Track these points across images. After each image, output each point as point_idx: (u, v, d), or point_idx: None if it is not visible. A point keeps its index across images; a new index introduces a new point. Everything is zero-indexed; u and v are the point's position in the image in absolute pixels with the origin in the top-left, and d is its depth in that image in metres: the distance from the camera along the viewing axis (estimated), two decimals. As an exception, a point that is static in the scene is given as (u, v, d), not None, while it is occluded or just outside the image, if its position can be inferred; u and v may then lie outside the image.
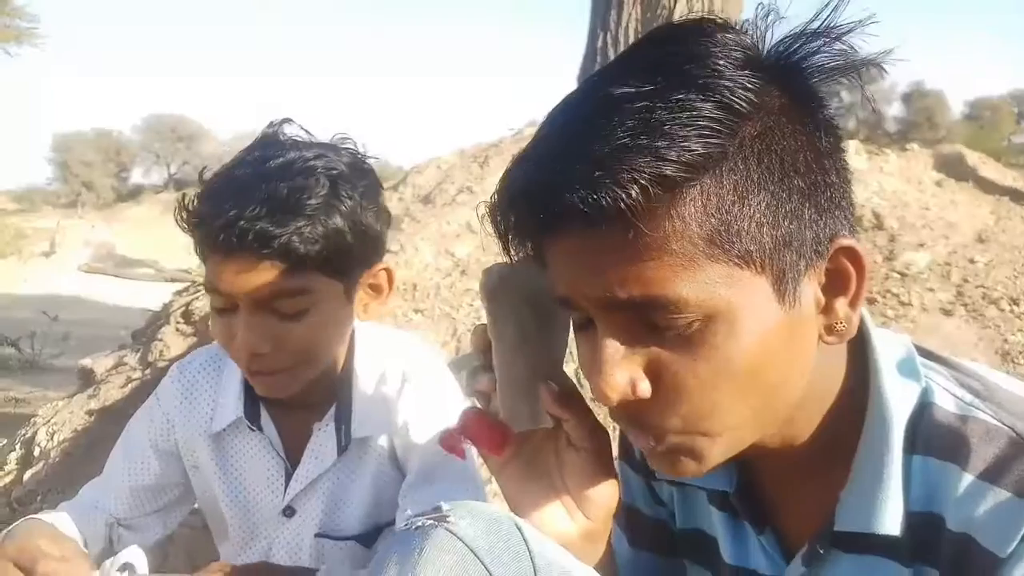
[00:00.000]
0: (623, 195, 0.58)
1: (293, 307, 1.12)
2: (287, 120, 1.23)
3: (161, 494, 1.38)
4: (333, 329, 1.19)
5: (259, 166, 1.12)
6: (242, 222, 1.06)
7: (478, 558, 0.67)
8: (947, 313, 2.86)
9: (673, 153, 0.58)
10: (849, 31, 0.64)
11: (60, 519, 1.26)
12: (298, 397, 1.25)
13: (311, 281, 1.12)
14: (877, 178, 3.88)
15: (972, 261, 3.23)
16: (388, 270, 1.24)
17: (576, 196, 0.59)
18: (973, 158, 4.87)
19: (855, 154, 4.03)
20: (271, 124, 1.22)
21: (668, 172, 0.58)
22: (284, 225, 1.07)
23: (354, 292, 1.20)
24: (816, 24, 0.64)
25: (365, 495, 1.26)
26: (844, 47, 0.64)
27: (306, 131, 1.23)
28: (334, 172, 1.13)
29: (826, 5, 0.64)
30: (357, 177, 1.17)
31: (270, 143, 1.18)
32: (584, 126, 0.62)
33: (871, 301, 2.97)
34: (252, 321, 1.11)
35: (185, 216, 1.14)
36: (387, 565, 0.68)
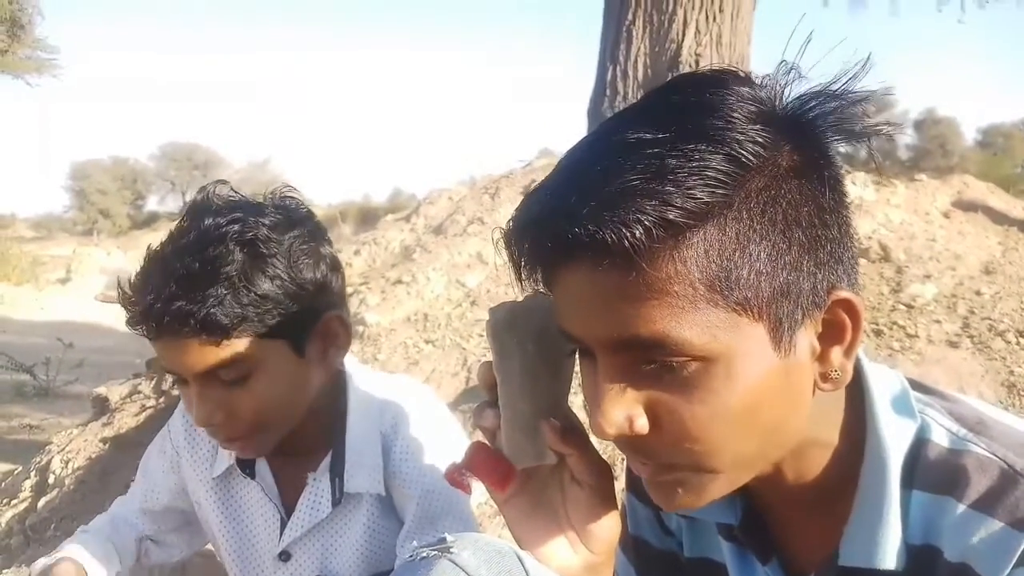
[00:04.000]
0: (628, 234, 0.61)
1: (234, 375, 1.12)
2: (221, 182, 1.24)
3: (174, 518, 1.42)
4: (287, 388, 1.17)
5: (177, 241, 1.13)
6: (158, 305, 1.08)
7: None
8: (953, 345, 2.87)
9: (678, 199, 0.61)
10: (865, 98, 0.67)
11: (85, 555, 1.29)
12: (290, 445, 1.25)
13: (246, 348, 1.11)
14: (884, 210, 3.90)
15: (979, 293, 3.24)
16: (339, 318, 1.22)
17: (583, 230, 0.62)
18: (982, 188, 4.88)
19: (863, 186, 4.06)
20: (202, 189, 1.21)
21: (672, 217, 0.61)
22: (200, 301, 1.07)
23: (306, 346, 1.18)
24: (835, 86, 0.67)
25: (360, 542, 1.27)
26: (858, 111, 0.67)
27: (238, 192, 1.23)
28: (249, 235, 1.12)
29: (846, 72, 0.67)
30: (284, 231, 1.15)
31: (197, 211, 1.17)
32: (598, 165, 0.65)
33: (877, 333, 2.98)
34: (200, 393, 1.13)
35: (123, 305, 1.15)
36: None
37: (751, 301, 0.63)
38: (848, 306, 0.68)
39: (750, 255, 0.63)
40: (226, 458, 1.32)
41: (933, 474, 0.72)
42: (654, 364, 0.66)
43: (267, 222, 1.15)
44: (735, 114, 0.63)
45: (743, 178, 0.62)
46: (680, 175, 0.61)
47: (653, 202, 0.60)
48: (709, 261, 0.62)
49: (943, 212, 4.20)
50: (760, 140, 0.63)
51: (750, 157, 0.63)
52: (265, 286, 1.11)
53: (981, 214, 4.32)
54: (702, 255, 0.62)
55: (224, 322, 1.08)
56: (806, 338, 0.67)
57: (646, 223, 0.60)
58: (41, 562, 1.27)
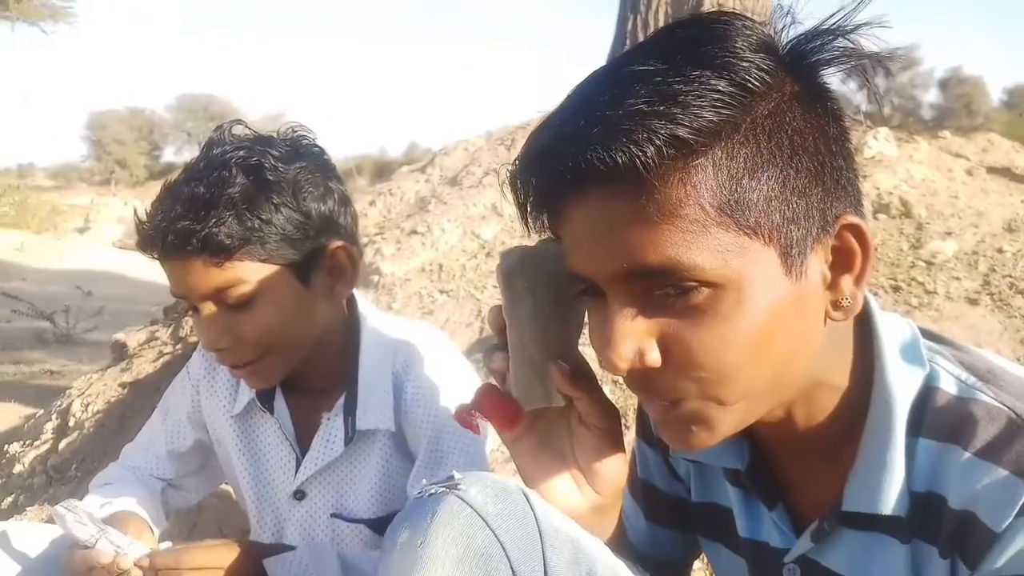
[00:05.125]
0: (639, 153, 0.61)
1: (237, 299, 1.14)
2: (237, 122, 1.26)
3: (198, 458, 1.44)
4: (291, 317, 1.19)
5: (188, 172, 1.17)
6: (164, 224, 1.11)
7: (486, 523, 0.70)
8: (972, 302, 2.84)
9: (687, 119, 0.61)
10: (855, 29, 0.67)
11: (142, 511, 1.31)
12: (304, 382, 1.29)
13: (247, 271, 1.14)
14: (906, 165, 3.84)
15: (1000, 251, 3.19)
16: (345, 248, 1.23)
17: (593, 154, 0.62)
18: (1007, 147, 4.78)
19: (885, 141, 3.99)
20: (218, 128, 1.24)
21: (682, 135, 0.61)
22: (203, 220, 1.10)
23: (312, 276, 1.20)
24: (829, 23, 0.67)
25: (374, 481, 1.29)
26: (852, 44, 0.67)
27: (253, 131, 1.26)
28: (253, 161, 1.15)
29: (841, 8, 0.67)
30: (290, 161, 1.18)
31: (210, 143, 1.21)
32: (605, 94, 0.65)
33: (896, 289, 2.95)
34: (206, 317, 1.16)
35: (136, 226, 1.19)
36: (400, 530, 0.72)
37: (762, 225, 0.64)
38: (857, 232, 0.68)
39: (759, 179, 0.63)
40: (246, 395, 1.34)
41: (940, 422, 0.72)
42: (664, 294, 0.66)
43: (274, 152, 1.17)
44: (739, 44, 0.64)
45: (749, 102, 0.63)
46: (688, 98, 0.62)
47: (662, 121, 0.61)
48: (719, 184, 0.63)
49: (966, 169, 4.12)
50: (765, 67, 0.64)
51: (755, 83, 0.64)
52: (268, 212, 1.14)
53: (1005, 172, 4.24)
54: (711, 178, 0.63)
55: (226, 243, 1.11)
56: (817, 265, 0.68)
57: (656, 142, 0.61)
58: (91, 502, 1.28)
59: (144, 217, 1.17)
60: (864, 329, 0.76)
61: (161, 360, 3.44)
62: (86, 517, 1.06)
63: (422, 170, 4.97)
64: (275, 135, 1.25)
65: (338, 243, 1.22)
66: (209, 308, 1.16)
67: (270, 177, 1.15)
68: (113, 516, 1.21)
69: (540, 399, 0.82)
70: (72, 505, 1.08)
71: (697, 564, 1.32)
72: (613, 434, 0.84)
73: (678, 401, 0.70)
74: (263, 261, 1.14)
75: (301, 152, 1.22)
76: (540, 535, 0.72)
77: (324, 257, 1.21)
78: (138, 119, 36.03)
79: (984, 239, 3.30)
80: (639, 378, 0.70)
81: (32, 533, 1.22)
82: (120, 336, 3.93)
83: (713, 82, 0.62)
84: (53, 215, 17.88)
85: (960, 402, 0.72)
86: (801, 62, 0.68)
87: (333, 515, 1.31)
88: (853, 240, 0.68)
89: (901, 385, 0.73)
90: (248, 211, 1.12)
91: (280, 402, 1.33)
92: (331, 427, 1.28)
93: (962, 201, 3.62)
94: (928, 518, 0.71)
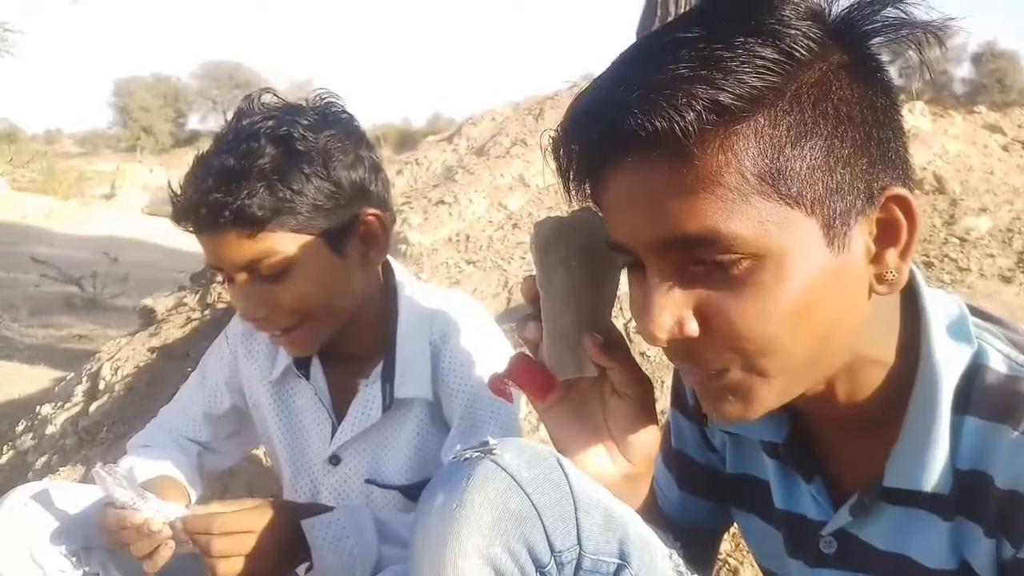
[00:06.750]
0: (678, 118, 0.60)
1: (271, 269, 1.15)
2: (265, 90, 1.26)
3: (233, 422, 1.46)
4: (326, 286, 1.19)
5: (218, 143, 1.17)
6: (196, 198, 1.12)
7: (521, 487, 0.71)
8: (1006, 280, 2.79)
9: (729, 84, 0.60)
10: None
11: (182, 476, 1.33)
12: (341, 349, 1.29)
13: (279, 242, 1.14)
14: (941, 140, 3.77)
15: (1036, 228, 3.14)
16: (377, 215, 1.23)
17: (633, 120, 0.61)
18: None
19: (919, 115, 3.91)
20: (247, 97, 1.24)
21: (723, 100, 0.60)
22: (235, 193, 1.10)
23: (345, 244, 1.20)
24: None
25: (408, 448, 1.30)
26: (903, 13, 0.65)
27: (282, 99, 1.26)
28: (283, 131, 1.14)
29: None
30: (319, 130, 1.17)
31: (239, 114, 1.21)
32: (646, 60, 0.65)
33: (928, 265, 2.91)
34: (242, 288, 1.17)
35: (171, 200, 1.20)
36: (436, 493, 0.72)
37: (804, 195, 0.63)
38: (903, 204, 0.67)
39: (802, 148, 0.62)
40: (283, 361, 1.35)
41: (989, 400, 0.71)
42: (703, 265, 0.65)
43: (303, 121, 1.17)
44: (787, 11, 0.63)
45: (795, 70, 0.62)
46: (731, 64, 0.61)
47: (703, 87, 0.60)
48: (761, 152, 0.62)
49: (1002, 145, 4.04)
50: (812, 36, 0.63)
51: (802, 51, 0.62)
52: (299, 182, 1.14)
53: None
54: (753, 145, 0.62)
55: (258, 214, 1.11)
56: (860, 238, 0.66)
57: (697, 107, 0.60)
58: (130, 464, 1.30)
59: (177, 191, 1.18)
60: (911, 305, 0.75)
61: (189, 326, 3.48)
62: (125, 481, 1.08)
63: (449, 140, 4.96)
64: (304, 103, 1.24)
65: (370, 210, 1.22)
66: (244, 279, 1.17)
67: (300, 147, 1.14)
68: (152, 481, 1.23)
69: (573, 369, 0.83)
70: (112, 469, 1.09)
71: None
72: (646, 404, 0.84)
73: (720, 372, 0.69)
74: (295, 231, 1.15)
75: (330, 120, 1.21)
76: (574, 500, 0.73)
77: (356, 225, 1.21)
78: (163, 86, 36.15)
79: (1020, 216, 3.24)
80: (679, 349, 0.70)
81: (71, 492, 1.24)
82: (148, 301, 3.98)
83: (758, 49, 0.61)
84: (80, 181, 18.06)
85: (1010, 381, 0.71)
86: (851, 31, 0.66)
87: (367, 481, 1.32)
88: (899, 213, 0.67)
89: (948, 362, 0.72)
90: (279, 182, 1.12)
91: (316, 368, 1.34)
92: (368, 394, 1.29)
93: (997, 177, 3.55)
94: (973, 496, 0.70)
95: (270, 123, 1.15)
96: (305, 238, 1.16)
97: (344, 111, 1.26)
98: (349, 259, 1.22)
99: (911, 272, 0.74)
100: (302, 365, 1.34)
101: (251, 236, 1.12)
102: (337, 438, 1.32)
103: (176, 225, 1.19)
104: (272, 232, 1.13)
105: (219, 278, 1.25)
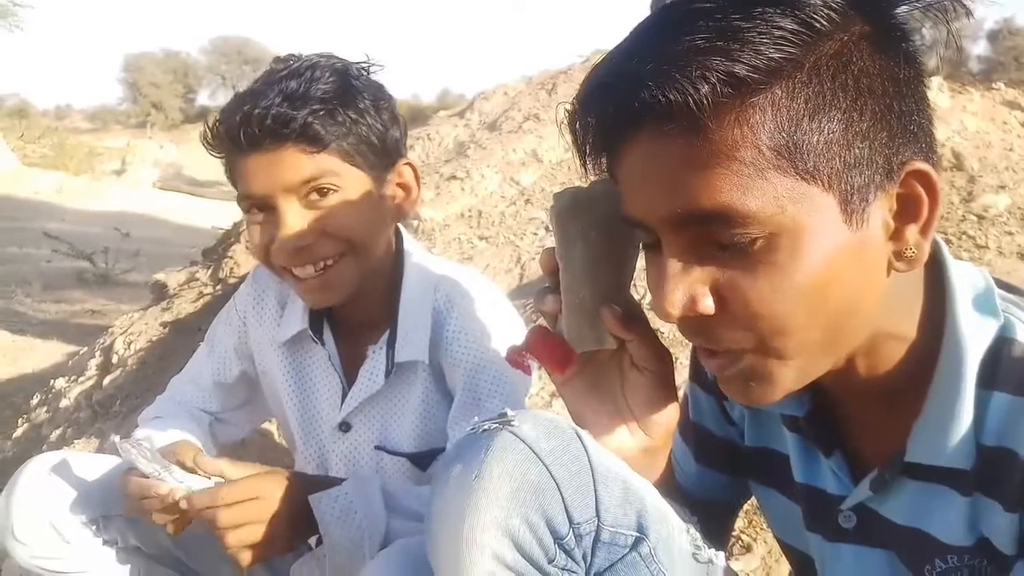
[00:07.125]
0: (692, 91, 0.59)
1: (325, 189, 1.16)
2: (291, 56, 1.27)
3: (243, 391, 1.46)
4: (369, 217, 1.22)
5: (269, 76, 1.19)
6: (258, 110, 1.12)
7: (539, 458, 0.70)
8: (1024, 258, 2.76)
9: (746, 56, 0.59)
10: None
11: (187, 435, 1.34)
12: (354, 316, 1.30)
13: (335, 165, 1.16)
14: (959, 116, 3.72)
15: (1055, 206, 3.10)
16: (411, 165, 1.28)
17: (646, 92, 0.61)
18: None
19: (938, 91, 3.86)
20: (276, 58, 1.26)
21: (739, 72, 0.59)
22: (301, 108, 1.12)
23: (383, 187, 1.24)
24: None
25: (415, 414, 1.30)
26: None
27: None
28: (340, 65, 1.19)
29: None
30: (367, 82, 1.23)
31: (280, 59, 1.24)
32: (662, 31, 0.64)
33: (946, 243, 2.88)
34: (290, 213, 1.16)
35: (210, 129, 1.20)
36: (453, 464, 0.72)
37: (821, 170, 0.62)
38: (924, 179, 0.65)
39: (820, 122, 0.61)
40: (295, 323, 1.35)
41: (1017, 374, 0.70)
42: (720, 242, 0.64)
43: (355, 71, 1.22)
44: None
45: (814, 41, 0.61)
46: (749, 35, 0.60)
47: (719, 58, 0.59)
48: (777, 126, 0.61)
49: (1022, 122, 3.98)
50: (834, 6, 0.61)
51: (822, 21, 0.61)
52: (356, 112, 1.18)
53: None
54: (770, 119, 0.60)
55: (321, 132, 1.14)
56: (879, 213, 0.65)
57: (712, 79, 0.59)
58: (140, 435, 1.31)
59: (221, 114, 1.19)
60: (936, 278, 0.74)
61: (201, 300, 3.49)
62: (150, 453, 1.08)
63: (461, 115, 4.93)
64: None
65: (407, 160, 1.28)
66: (292, 203, 1.16)
67: (356, 83, 1.20)
68: (170, 446, 1.22)
69: (592, 341, 0.82)
70: (135, 441, 1.10)
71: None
72: (665, 377, 0.83)
73: (736, 356, 0.69)
74: (347, 160, 1.18)
75: (373, 80, 1.26)
76: (592, 472, 0.72)
77: (394, 171, 1.26)
78: (173, 61, 36.05)
79: (1038, 194, 3.20)
80: (693, 325, 0.69)
81: (89, 461, 1.25)
82: (160, 276, 3.99)
83: (777, 19, 0.60)
84: (90, 157, 18.07)
85: None
86: (873, 1, 0.64)
87: (377, 447, 1.32)
88: (920, 188, 0.65)
89: (973, 336, 0.71)
90: (341, 107, 1.16)
91: (328, 336, 1.34)
92: (375, 360, 1.29)
93: (1017, 154, 3.50)
94: (996, 472, 0.69)
95: (328, 59, 1.20)
96: (354, 170, 1.19)
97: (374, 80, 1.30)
98: (386, 203, 1.25)
99: (936, 244, 0.73)
100: (316, 330, 1.34)
101: (312, 154, 1.15)
102: (347, 404, 1.32)
103: (216, 151, 1.20)
104: (329, 155, 1.16)
105: (242, 229, 1.25)
